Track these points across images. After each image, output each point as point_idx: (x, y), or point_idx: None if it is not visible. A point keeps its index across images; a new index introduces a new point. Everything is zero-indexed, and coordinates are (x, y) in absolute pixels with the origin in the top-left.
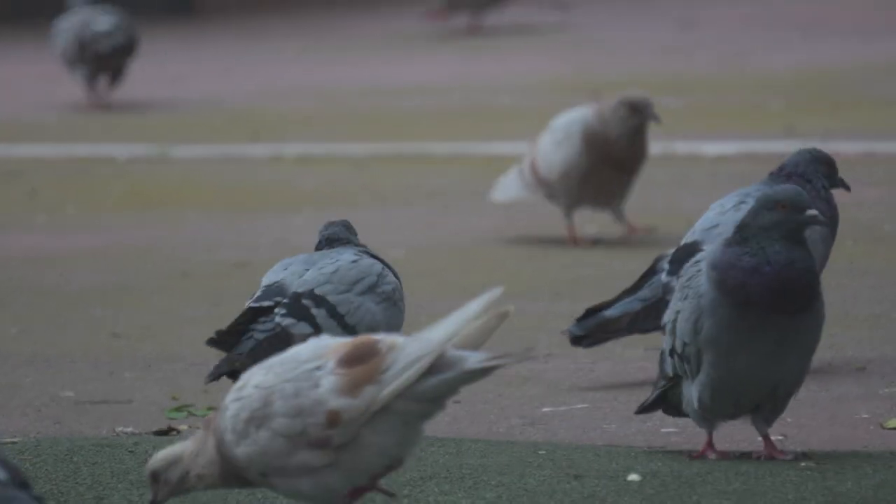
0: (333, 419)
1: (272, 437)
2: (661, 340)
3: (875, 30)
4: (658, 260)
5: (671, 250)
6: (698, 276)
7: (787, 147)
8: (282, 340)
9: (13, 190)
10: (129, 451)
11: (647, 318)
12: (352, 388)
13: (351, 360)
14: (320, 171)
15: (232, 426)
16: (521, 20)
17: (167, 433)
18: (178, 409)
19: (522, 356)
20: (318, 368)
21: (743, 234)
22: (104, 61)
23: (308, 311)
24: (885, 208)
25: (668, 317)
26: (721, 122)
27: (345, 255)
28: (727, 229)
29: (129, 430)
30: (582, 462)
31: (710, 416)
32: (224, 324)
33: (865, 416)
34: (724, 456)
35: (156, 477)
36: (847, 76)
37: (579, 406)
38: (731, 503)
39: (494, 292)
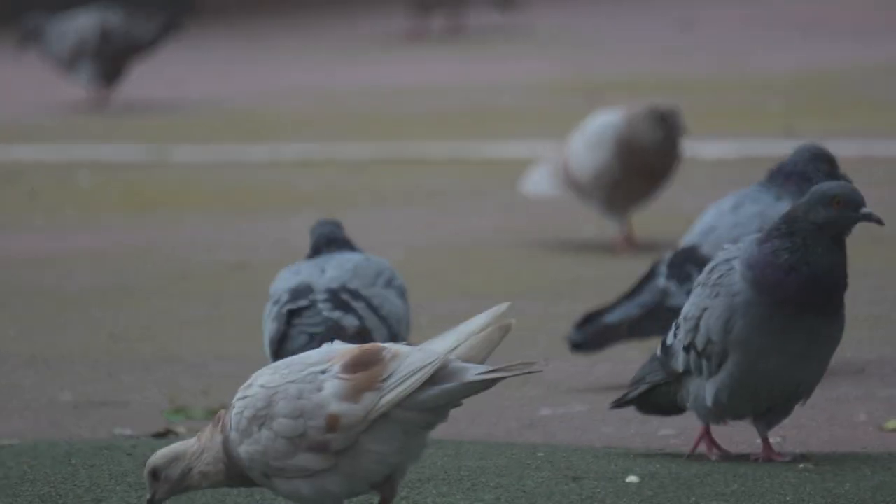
0: (333, 423)
1: (274, 438)
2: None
3: (875, 31)
4: (656, 264)
5: (669, 254)
6: (731, 273)
7: (787, 148)
8: (336, 333)
9: (12, 191)
10: (128, 454)
11: (647, 324)
12: (353, 394)
13: (355, 365)
14: (319, 172)
15: (236, 424)
16: (516, 21)
17: (165, 435)
18: (176, 412)
19: (523, 369)
20: (322, 372)
21: (790, 226)
22: (118, 60)
23: (350, 304)
24: (884, 209)
25: (689, 312)
26: (720, 123)
27: (353, 255)
28: (725, 232)
29: (128, 432)
30: (580, 464)
31: (723, 415)
32: (223, 326)
33: (864, 417)
34: (725, 454)
35: (155, 474)
36: (847, 77)
37: (578, 408)
38: None
39: (501, 307)
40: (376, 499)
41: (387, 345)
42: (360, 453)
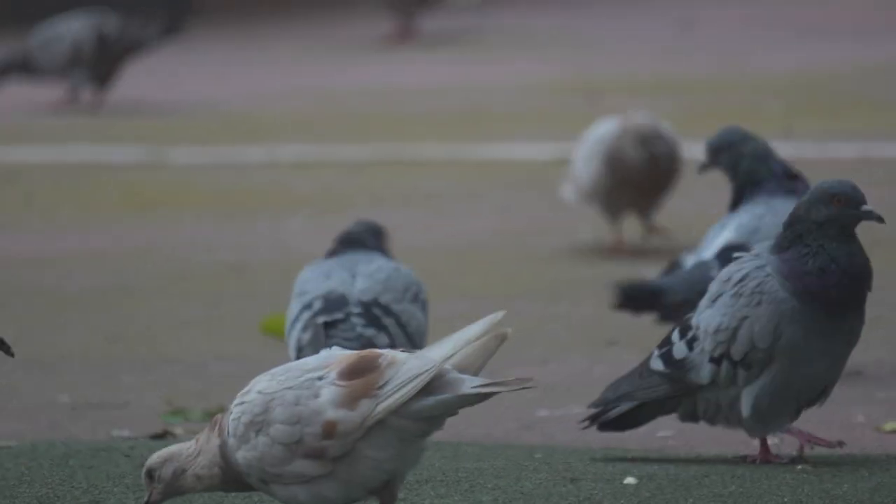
0: (329, 430)
1: (270, 444)
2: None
3: (874, 31)
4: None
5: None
6: (769, 281)
7: (786, 149)
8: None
9: (9, 193)
10: (126, 455)
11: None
12: (350, 401)
13: (351, 372)
14: (316, 173)
15: (234, 430)
16: (516, 22)
17: (163, 437)
18: (174, 413)
19: (518, 384)
20: (320, 378)
21: (795, 228)
22: (113, 64)
23: (381, 321)
24: (884, 209)
25: (722, 323)
26: (718, 124)
27: (382, 262)
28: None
29: (126, 433)
30: (578, 465)
31: (762, 421)
32: (222, 327)
33: (862, 419)
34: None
35: (150, 475)
36: (846, 78)
37: (576, 410)
38: None
39: (496, 315)
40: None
41: (384, 351)
42: (357, 460)
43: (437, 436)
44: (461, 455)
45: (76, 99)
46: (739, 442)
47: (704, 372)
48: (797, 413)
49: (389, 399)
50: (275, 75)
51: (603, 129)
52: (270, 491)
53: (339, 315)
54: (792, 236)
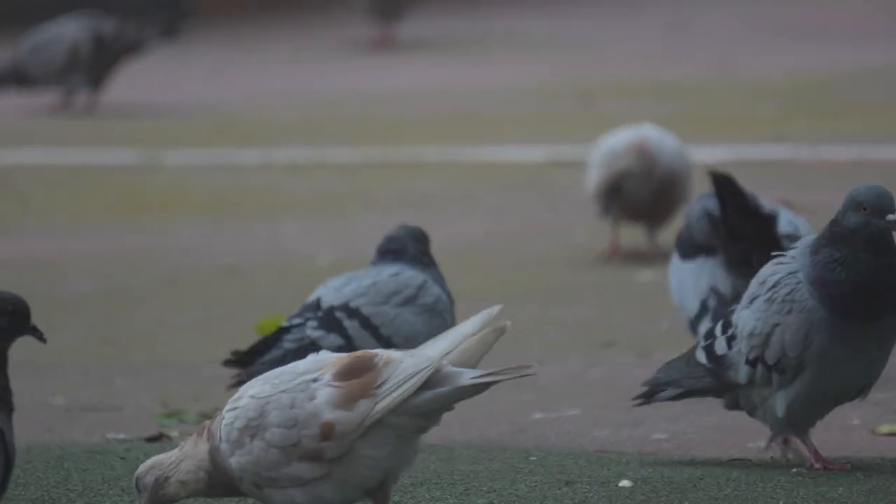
0: (327, 432)
1: (266, 448)
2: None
3: (866, 35)
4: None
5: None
6: (800, 288)
7: (778, 153)
8: (309, 352)
9: (3, 196)
10: (120, 458)
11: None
12: (347, 402)
13: (347, 373)
14: (311, 176)
15: (226, 435)
16: (509, 25)
17: (158, 439)
18: (168, 416)
19: (517, 372)
20: (314, 380)
21: (833, 231)
22: (109, 67)
23: (340, 324)
24: None
25: (755, 327)
26: (711, 128)
27: (388, 269)
28: None
29: (120, 436)
30: (573, 468)
31: (796, 423)
32: (216, 330)
33: (857, 422)
34: (829, 464)
35: (136, 483)
36: (838, 81)
37: (570, 412)
38: None
39: (493, 309)
40: None
41: (379, 351)
42: (354, 460)
43: (431, 438)
44: (456, 458)
45: (71, 103)
46: (733, 445)
47: (742, 372)
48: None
49: (388, 398)
50: (269, 78)
51: (612, 141)
52: (264, 496)
53: (297, 320)
54: (829, 238)
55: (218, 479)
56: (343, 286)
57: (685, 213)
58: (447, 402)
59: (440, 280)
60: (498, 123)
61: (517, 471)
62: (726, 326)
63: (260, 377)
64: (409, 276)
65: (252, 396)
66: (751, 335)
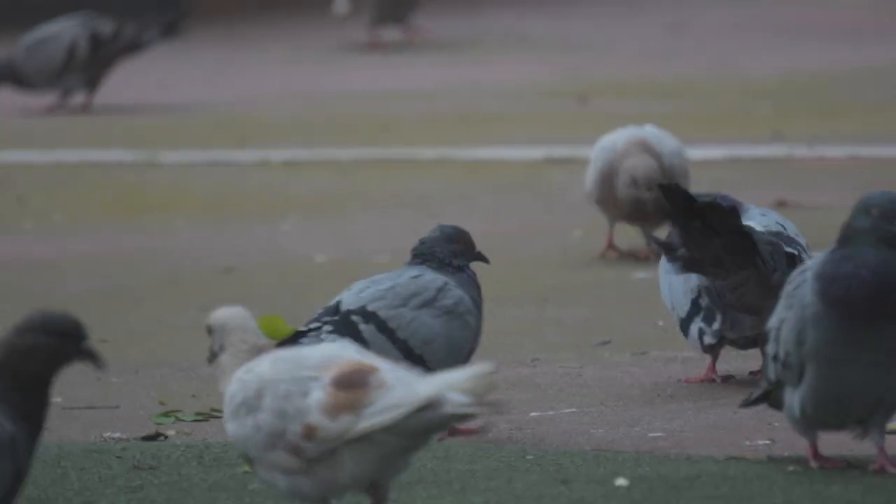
0: (309, 433)
1: (255, 429)
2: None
3: (862, 35)
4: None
5: None
6: (804, 285)
7: (775, 152)
8: None
9: (1, 197)
10: (117, 457)
11: None
12: (333, 411)
13: (342, 383)
14: (308, 176)
15: (228, 402)
16: (507, 25)
17: (155, 438)
18: (165, 415)
19: (499, 408)
20: (313, 379)
21: (846, 232)
22: (107, 67)
23: (356, 327)
24: None
25: (772, 323)
26: (708, 127)
27: (410, 271)
28: None
29: (117, 435)
30: (570, 467)
31: (813, 425)
32: None
33: None
34: (827, 463)
35: (208, 329)
36: (835, 81)
37: (567, 411)
38: None
39: (485, 367)
40: (367, 500)
41: (379, 367)
42: (336, 464)
43: None
44: (452, 456)
45: (66, 104)
46: (730, 443)
47: (771, 369)
48: (862, 422)
49: (368, 421)
50: (268, 78)
51: (610, 139)
52: (254, 468)
53: (315, 324)
54: (840, 238)
55: None
56: (363, 289)
57: None
58: (431, 427)
59: (467, 282)
60: (497, 123)
61: (514, 469)
62: None
63: (275, 354)
64: (430, 278)
65: (258, 374)
66: (770, 331)
